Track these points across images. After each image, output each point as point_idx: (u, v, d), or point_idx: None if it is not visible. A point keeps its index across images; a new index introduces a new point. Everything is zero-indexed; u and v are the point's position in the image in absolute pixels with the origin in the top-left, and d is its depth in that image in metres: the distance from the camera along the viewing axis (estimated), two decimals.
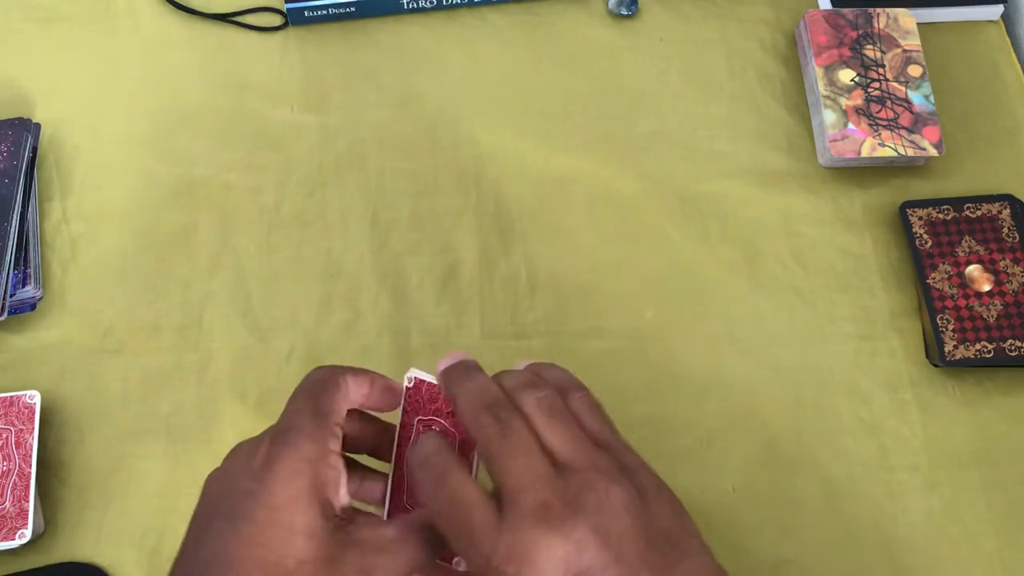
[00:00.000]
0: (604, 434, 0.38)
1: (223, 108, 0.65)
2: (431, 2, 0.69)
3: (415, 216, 0.62)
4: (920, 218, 0.60)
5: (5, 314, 0.56)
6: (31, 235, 0.59)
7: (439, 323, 0.59)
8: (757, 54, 0.68)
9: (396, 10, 0.69)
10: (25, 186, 0.60)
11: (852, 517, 0.55)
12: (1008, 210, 0.60)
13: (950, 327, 0.57)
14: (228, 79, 0.66)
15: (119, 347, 0.58)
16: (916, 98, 0.64)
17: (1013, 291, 0.58)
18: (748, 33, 0.69)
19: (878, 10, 0.67)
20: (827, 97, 0.64)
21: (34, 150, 0.62)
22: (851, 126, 0.63)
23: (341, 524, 0.36)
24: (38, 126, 0.63)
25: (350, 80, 0.67)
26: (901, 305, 0.60)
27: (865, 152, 0.62)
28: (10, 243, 0.57)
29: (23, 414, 0.54)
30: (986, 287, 0.58)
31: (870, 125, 0.63)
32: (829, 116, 0.63)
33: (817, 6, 0.70)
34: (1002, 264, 0.59)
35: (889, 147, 0.62)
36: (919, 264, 0.60)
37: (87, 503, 0.54)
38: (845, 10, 0.67)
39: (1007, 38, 0.70)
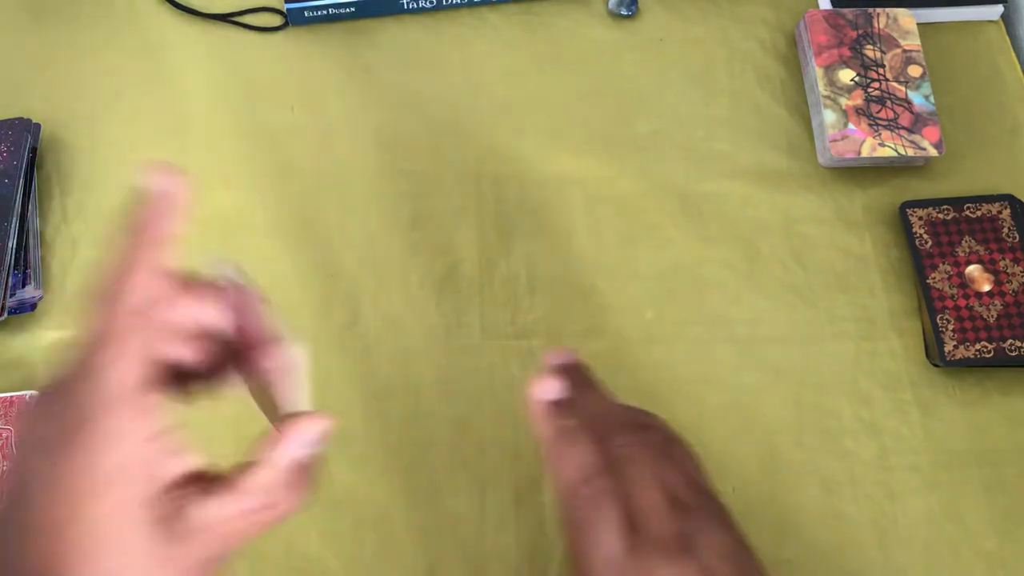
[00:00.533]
0: (702, 482, 0.40)
1: (223, 108, 0.65)
2: (431, 3, 0.69)
3: (415, 216, 0.62)
4: (920, 218, 0.60)
5: (5, 314, 0.56)
6: (31, 235, 0.59)
7: (439, 323, 0.59)
8: (757, 54, 0.69)
9: (396, 10, 0.69)
10: (25, 186, 0.60)
11: (852, 517, 0.55)
12: (1008, 210, 0.60)
13: (950, 327, 0.57)
14: (228, 79, 0.66)
15: None
16: (916, 98, 0.64)
17: (1013, 291, 0.58)
18: (748, 33, 0.69)
19: (878, 10, 0.67)
20: (827, 97, 0.64)
21: (34, 150, 0.62)
22: (851, 126, 0.63)
23: (178, 507, 0.30)
24: (38, 126, 0.63)
25: (350, 80, 0.67)
26: (901, 305, 0.60)
27: (865, 152, 0.62)
28: (10, 243, 0.57)
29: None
30: (986, 287, 0.58)
31: (870, 125, 0.63)
32: (829, 116, 0.63)
33: (817, 6, 0.70)
34: (1002, 264, 0.59)
35: (889, 147, 0.62)
36: (919, 264, 0.60)
37: None
38: (845, 10, 0.67)
39: (1007, 38, 0.70)
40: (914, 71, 0.65)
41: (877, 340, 0.59)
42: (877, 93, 0.64)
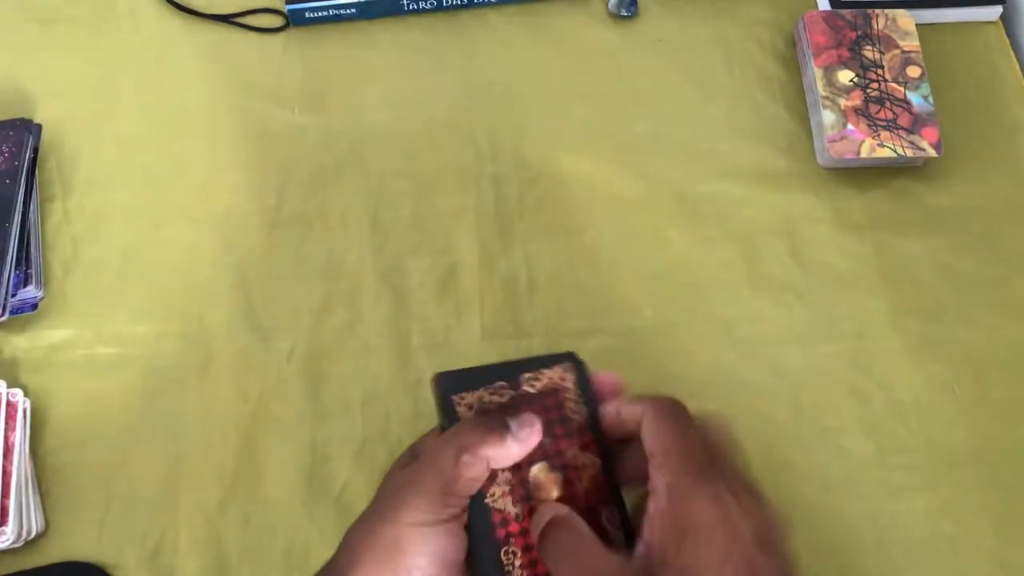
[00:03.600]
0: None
1: (224, 109, 0.66)
2: (431, 3, 0.69)
3: (415, 216, 0.62)
4: (468, 405, 0.42)
5: (6, 314, 0.57)
6: (32, 235, 0.60)
7: (439, 323, 0.59)
8: (756, 55, 0.69)
9: (396, 11, 0.69)
10: (26, 187, 0.60)
11: (851, 517, 0.55)
12: (573, 374, 0.43)
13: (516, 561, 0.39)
14: (229, 80, 0.67)
15: (120, 347, 0.58)
16: (915, 99, 0.64)
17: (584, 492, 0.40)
18: (747, 34, 0.69)
19: (877, 11, 0.67)
20: (826, 98, 0.64)
21: (35, 151, 0.62)
22: (850, 127, 0.63)
23: None
24: (39, 127, 0.63)
25: (351, 81, 0.67)
26: (899, 304, 0.60)
27: (864, 153, 0.62)
28: (11, 243, 0.57)
29: (7, 412, 0.53)
30: (555, 492, 0.40)
31: (869, 126, 0.63)
32: (828, 116, 0.63)
33: (816, 7, 0.70)
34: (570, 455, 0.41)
35: (888, 148, 0.62)
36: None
37: (87, 503, 0.54)
38: (844, 11, 0.67)
39: (1006, 39, 0.70)
40: (913, 72, 0.65)
41: (875, 339, 0.59)
42: (876, 94, 0.64)
